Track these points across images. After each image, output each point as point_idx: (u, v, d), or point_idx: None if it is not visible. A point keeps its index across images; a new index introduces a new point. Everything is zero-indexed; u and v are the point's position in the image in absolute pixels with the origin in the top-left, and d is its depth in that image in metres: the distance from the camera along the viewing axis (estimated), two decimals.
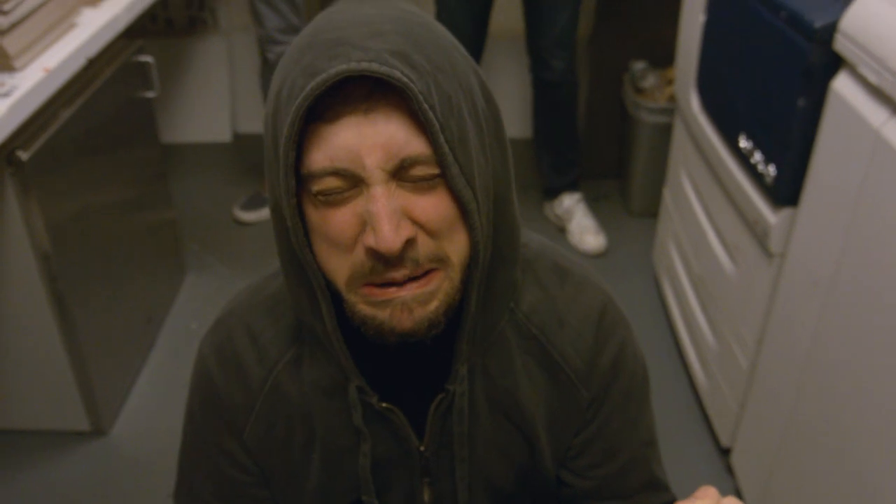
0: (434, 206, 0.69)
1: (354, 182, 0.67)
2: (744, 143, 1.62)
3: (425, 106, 0.65)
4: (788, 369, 1.53)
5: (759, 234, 1.60)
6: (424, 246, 0.69)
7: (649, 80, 2.71)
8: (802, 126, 1.40)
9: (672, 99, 2.53)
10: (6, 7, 1.52)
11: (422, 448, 0.86)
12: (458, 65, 0.71)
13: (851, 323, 1.30)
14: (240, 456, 0.91)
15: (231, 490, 0.93)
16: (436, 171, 0.68)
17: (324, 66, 0.64)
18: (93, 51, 1.79)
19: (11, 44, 1.56)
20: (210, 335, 0.91)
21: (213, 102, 3.36)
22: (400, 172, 0.67)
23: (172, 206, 2.46)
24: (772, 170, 1.50)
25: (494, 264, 0.78)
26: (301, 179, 0.68)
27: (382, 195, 0.66)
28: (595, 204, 2.86)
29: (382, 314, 0.71)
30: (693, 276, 2.08)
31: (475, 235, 0.71)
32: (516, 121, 3.14)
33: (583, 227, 2.69)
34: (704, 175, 1.96)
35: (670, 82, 2.64)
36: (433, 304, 0.71)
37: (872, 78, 1.20)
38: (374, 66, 0.63)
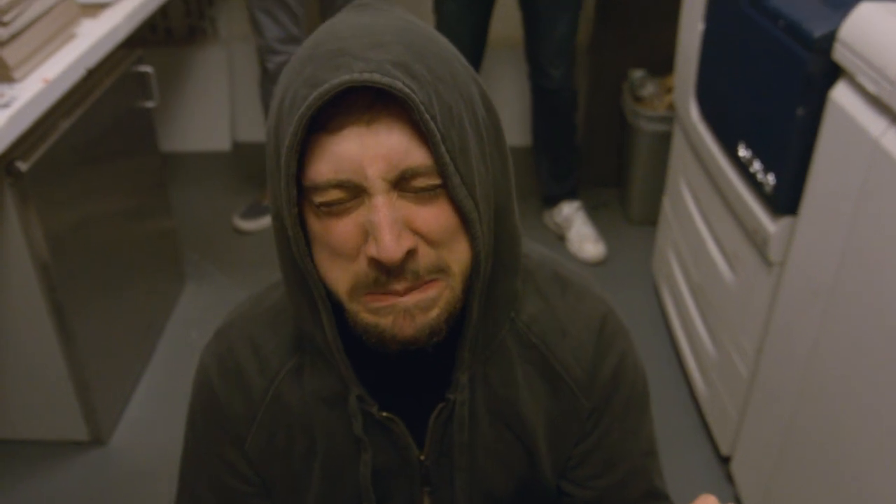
0: (435, 216, 0.69)
1: (356, 192, 0.67)
2: (743, 151, 1.62)
3: (426, 116, 0.65)
4: (788, 378, 1.52)
5: (758, 242, 1.60)
6: (425, 257, 0.69)
7: (648, 89, 2.72)
8: (801, 135, 1.41)
9: (671, 107, 2.53)
10: (6, 18, 1.52)
11: (422, 457, 0.86)
12: (458, 75, 0.71)
13: (851, 332, 1.30)
14: (241, 466, 0.91)
15: (232, 500, 0.93)
16: (437, 181, 0.68)
17: (326, 76, 0.64)
18: (92, 61, 1.79)
19: (11, 55, 1.56)
20: (211, 345, 0.91)
21: (213, 111, 3.37)
22: (401, 183, 0.67)
23: (172, 215, 2.46)
24: (771, 179, 1.50)
25: (495, 273, 0.78)
26: (303, 189, 0.69)
27: (384, 205, 0.66)
28: (594, 212, 2.86)
29: (384, 321, 0.71)
30: (692, 285, 2.08)
31: (476, 245, 0.72)
32: (515, 129, 3.15)
33: (582, 235, 2.69)
34: (704, 183, 1.96)
35: (669, 90, 2.64)
36: (434, 312, 0.72)
37: (871, 87, 1.20)
38: (376, 77, 0.64)
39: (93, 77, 1.86)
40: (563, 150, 2.73)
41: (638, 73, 2.74)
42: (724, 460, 1.89)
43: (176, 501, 0.98)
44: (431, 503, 0.89)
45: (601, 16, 2.78)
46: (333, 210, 0.68)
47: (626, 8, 2.74)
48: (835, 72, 1.33)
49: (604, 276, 2.59)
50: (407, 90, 0.64)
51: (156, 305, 2.36)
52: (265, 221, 2.85)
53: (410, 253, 0.68)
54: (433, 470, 0.87)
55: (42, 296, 1.76)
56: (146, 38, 3.20)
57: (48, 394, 1.91)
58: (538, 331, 0.86)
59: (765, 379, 1.64)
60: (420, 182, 0.67)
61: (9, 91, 1.55)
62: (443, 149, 0.66)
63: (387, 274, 0.68)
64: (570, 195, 2.78)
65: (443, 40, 0.74)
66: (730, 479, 1.85)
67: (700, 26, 1.93)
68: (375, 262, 0.68)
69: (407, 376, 0.84)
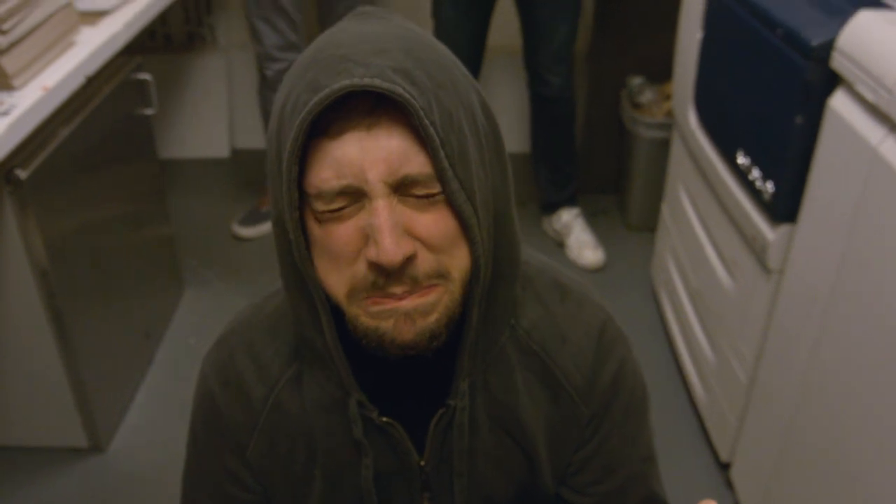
0: (435, 222, 0.69)
1: (357, 197, 0.68)
2: (742, 159, 1.62)
3: (426, 121, 0.66)
4: (787, 384, 1.52)
5: (757, 249, 1.60)
6: (424, 263, 0.70)
7: (647, 96, 2.72)
8: (800, 143, 1.41)
9: (670, 114, 2.53)
10: (5, 26, 1.52)
11: (422, 463, 0.86)
12: (458, 82, 0.72)
13: (849, 338, 1.30)
14: (243, 475, 0.91)
15: None
16: (436, 189, 0.69)
17: (327, 81, 0.65)
18: (92, 69, 1.79)
19: (10, 63, 1.56)
20: (212, 354, 0.92)
21: (212, 118, 3.37)
22: (401, 189, 0.68)
23: (171, 222, 2.46)
24: (770, 186, 1.50)
25: (495, 280, 0.79)
26: (304, 194, 0.69)
27: (384, 208, 0.67)
28: (593, 219, 2.86)
29: (385, 325, 0.72)
30: (691, 291, 2.08)
31: (476, 250, 0.72)
32: (514, 136, 3.15)
33: (581, 241, 2.69)
34: (702, 190, 1.96)
35: (668, 97, 2.65)
36: (434, 316, 0.72)
37: (869, 96, 1.21)
38: (377, 82, 0.64)
39: (92, 84, 1.86)
40: (562, 158, 2.73)
41: (636, 80, 2.75)
42: (724, 466, 1.89)
43: None
44: None
45: (600, 23, 2.78)
46: (334, 215, 0.69)
47: (625, 15, 2.74)
48: (833, 80, 1.33)
49: (603, 282, 2.59)
50: (407, 95, 0.65)
51: (155, 312, 2.36)
52: (264, 228, 2.85)
53: (410, 258, 0.68)
54: (433, 476, 0.87)
55: (41, 303, 1.76)
56: (145, 44, 3.21)
57: (47, 400, 1.91)
58: (538, 337, 0.87)
59: (764, 385, 1.64)
60: (419, 190, 0.68)
61: (8, 99, 1.56)
62: (442, 154, 0.67)
63: (385, 277, 0.69)
64: (569, 202, 2.78)
65: (442, 48, 0.74)
66: (729, 485, 1.85)
67: (698, 34, 1.94)
68: (375, 266, 0.68)
69: (407, 382, 0.84)
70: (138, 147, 2.20)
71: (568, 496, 0.94)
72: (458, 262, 0.72)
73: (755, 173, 1.56)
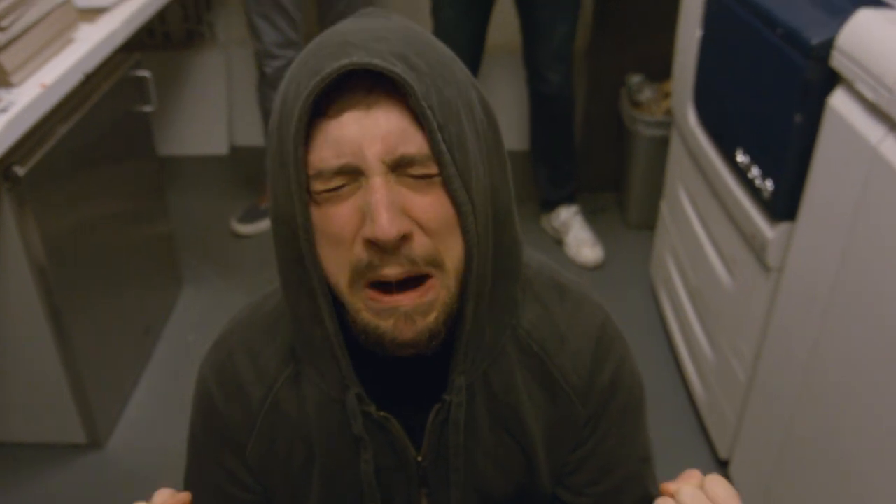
0: (431, 204, 0.70)
1: (355, 176, 0.69)
2: (741, 157, 1.62)
3: (423, 104, 0.67)
4: (786, 382, 1.52)
5: (756, 247, 1.60)
6: (421, 245, 0.70)
7: (646, 94, 2.72)
8: (799, 142, 1.41)
9: (669, 112, 2.53)
10: (4, 23, 1.52)
11: (419, 459, 0.86)
12: (458, 77, 0.73)
13: (849, 337, 1.30)
14: (242, 475, 0.91)
15: None
16: (434, 171, 0.69)
17: (327, 64, 0.67)
18: (90, 66, 1.79)
19: (8, 60, 1.56)
20: (210, 355, 0.92)
21: (211, 115, 3.36)
22: (399, 168, 0.69)
23: (169, 219, 2.46)
24: (769, 184, 1.50)
25: (496, 279, 0.79)
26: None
27: (381, 186, 0.68)
28: (592, 216, 2.86)
29: (385, 324, 0.72)
30: (690, 289, 2.08)
31: (469, 239, 0.72)
32: (513, 133, 3.15)
33: (580, 239, 2.69)
34: (702, 188, 1.96)
35: (667, 95, 2.65)
36: (433, 315, 0.72)
37: (869, 95, 1.20)
38: (376, 61, 0.66)
39: (91, 82, 1.86)
40: (562, 156, 2.73)
41: (636, 78, 2.74)
42: (723, 464, 1.90)
43: None
44: None
45: (599, 21, 2.78)
46: (332, 196, 0.70)
47: (624, 13, 2.74)
48: (833, 79, 1.33)
49: (602, 280, 2.59)
50: (405, 76, 0.66)
51: (153, 309, 2.36)
52: (263, 225, 2.85)
53: (406, 238, 0.69)
54: (430, 471, 0.87)
55: (39, 300, 1.76)
56: (144, 41, 3.20)
57: (46, 397, 1.91)
58: (538, 337, 0.87)
59: (763, 383, 1.64)
60: (417, 170, 0.69)
61: (6, 96, 1.55)
62: (439, 136, 0.68)
63: (381, 256, 0.69)
64: (569, 199, 2.78)
65: (443, 46, 0.75)
66: (728, 482, 1.85)
67: (698, 32, 1.94)
68: (371, 245, 0.69)
69: (405, 379, 0.84)
70: (137, 144, 2.20)
71: (564, 496, 0.94)
72: (453, 252, 0.72)
73: (754, 171, 1.56)
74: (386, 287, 0.72)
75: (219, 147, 3.41)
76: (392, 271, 0.70)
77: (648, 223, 2.69)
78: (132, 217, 2.19)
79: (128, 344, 2.18)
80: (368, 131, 0.67)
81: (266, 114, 2.72)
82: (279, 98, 0.73)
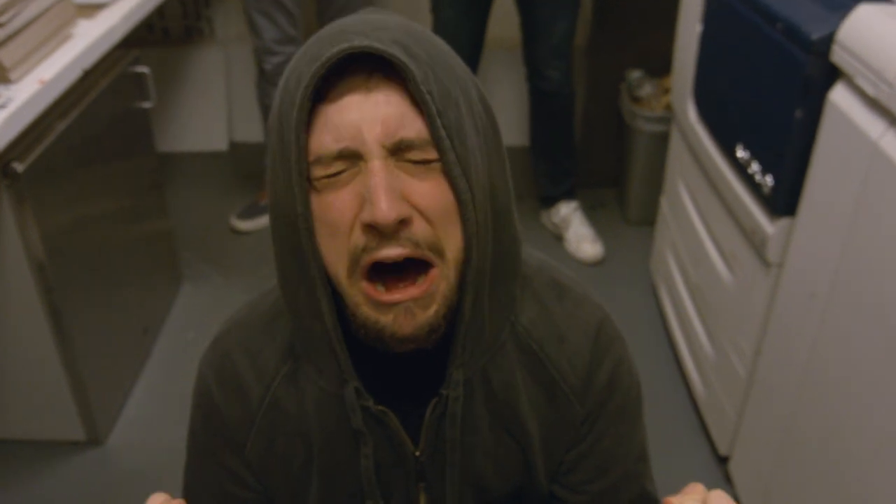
0: (431, 190, 0.70)
1: (354, 161, 0.69)
2: (741, 153, 1.62)
3: (422, 89, 0.68)
4: (786, 379, 1.52)
5: (756, 243, 1.60)
6: (421, 231, 0.70)
7: (646, 89, 2.72)
8: (800, 137, 1.41)
9: (669, 107, 2.53)
10: (2, 19, 1.52)
11: (417, 453, 0.86)
12: (458, 74, 0.73)
13: (849, 333, 1.30)
14: (242, 473, 0.91)
15: None
16: (433, 155, 0.70)
17: (328, 51, 0.67)
18: (89, 62, 1.79)
19: (7, 56, 1.56)
20: (209, 354, 0.92)
21: (210, 112, 3.36)
22: (398, 153, 0.69)
23: (169, 216, 2.46)
24: (769, 180, 1.50)
25: (496, 276, 0.79)
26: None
27: (381, 169, 0.68)
28: (592, 212, 2.86)
29: (385, 319, 0.72)
30: (690, 285, 2.08)
31: (469, 228, 0.72)
32: (513, 129, 3.14)
33: (580, 235, 2.69)
34: (701, 184, 1.96)
35: (667, 91, 2.64)
36: (433, 308, 0.72)
37: (869, 90, 1.20)
38: (376, 45, 0.67)
39: (89, 78, 1.86)
40: (562, 152, 2.73)
41: (636, 74, 2.74)
42: (723, 460, 1.90)
43: None
44: (427, 499, 0.89)
45: (599, 17, 2.78)
46: (332, 182, 0.70)
47: (624, 9, 2.73)
48: (833, 74, 1.33)
49: (601, 276, 2.59)
50: (405, 60, 0.67)
51: (152, 306, 2.36)
52: (263, 221, 2.85)
53: (405, 222, 0.69)
54: (428, 466, 0.87)
55: (38, 297, 1.75)
56: (143, 37, 3.20)
57: (45, 394, 1.91)
58: (537, 336, 0.87)
59: (763, 379, 1.64)
60: (416, 154, 0.69)
61: (5, 92, 1.55)
62: (438, 122, 0.69)
63: (379, 239, 0.69)
64: (568, 195, 2.78)
65: (442, 42, 0.76)
66: (728, 479, 1.85)
67: (698, 27, 1.93)
68: (370, 229, 0.69)
69: (404, 374, 0.84)
70: (136, 140, 2.20)
71: (561, 494, 0.94)
72: (452, 241, 0.72)
73: (754, 167, 1.56)
74: (384, 277, 0.72)
75: (218, 143, 3.41)
76: (392, 252, 0.69)
77: (648, 219, 2.69)
78: (131, 214, 2.19)
79: (127, 341, 2.18)
80: (368, 115, 0.68)
81: (265, 110, 2.72)
82: (280, 88, 0.73)
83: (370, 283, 0.72)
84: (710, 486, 0.69)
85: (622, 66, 2.81)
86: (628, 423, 0.93)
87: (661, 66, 2.64)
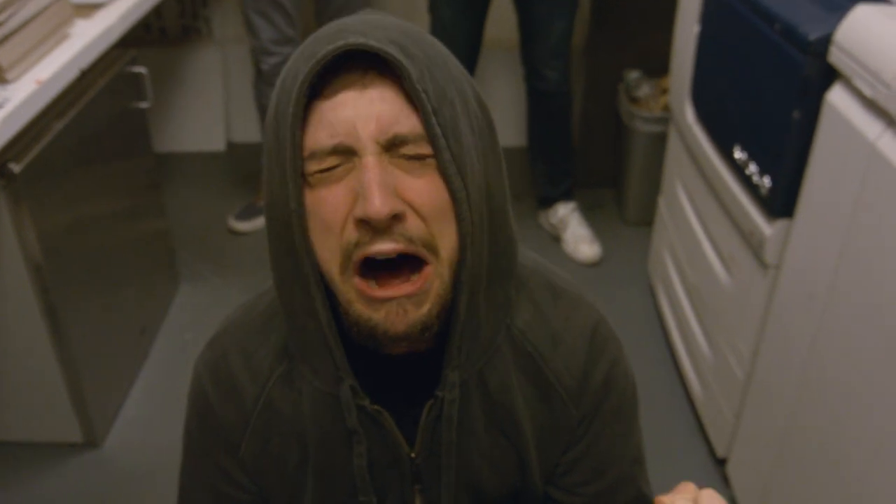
0: (425, 186, 0.70)
1: (349, 157, 0.69)
2: (738, 154, 1.62)
3: (417, 87, 0.68)
4: (784, 380, 1.52)
5: (754, 245, 1.60)
6: (415, 227, 0.70)
7: (644, 90, 2.72)
8: (797, 138, 1.41)
9: (667, 108, 2.53)
10: None
11: (412, 455, 0.86)
12: (454, 75, 0.74)
13: (847, 334, 1.30)
14: (236, 474, 0.91)
15: None
16: (427, 151, 0.70)
17: (324, 49, 0.68)
18: (86, 62, 1.78)
19: (4, 56, 1.56)
20: (205, 354, 0.92)
21: (208, 112, 3.36)
22: (392, 149, 0.69)
23: (166, 216, 2.45)
24: (767, 181, 1.50)
25: (492, 277, 0.79)
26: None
27: (374, 165, 0.68)
28: (590, 213, 2.85)
29: (377, 316, 0.72)
30: (688, 286, 2.08)
31: (463, 227, 0.72)
32: (511, 130, 3.14)
33: (577, 236, 2.69)
34: (699, 185, 1.96)
35: (665, 91, 2.64)
36: (426, 307, 0.72)
37: (867, 91, 1.20)
38: (372, 43, 0.67)
39: (86, 78, 1.85)
40: (559, 153, 2.72)
41: (633, 74, 2.74)
42: (720, 462, 1.89)
43: None
44: (423, 502, 0.89)
45: (597, 17, 2.78)
46: (326, 177, 0.70)
47: (622, 9, 2.74)
48: (831, 75, 1.33)
49: (599, 277, 2.59)
50: (400, 58, 0.67)
51: (150, 307, 2.35)
52: (260, 222, 2.84)
53: (398, 218, 0.69)
54: (423, 468, 0.87)
55: (35, 297, 1.75)
56: (140, 37, 3.19)
57: (42, 396, 1.90)
58: (532, 338, 0.87)
59: (761, 381, 1.64)
60: (410, 149, 0.69)
61: (2, 92, 1.55)
62: (433, 120, 0.69)
63: (372, 234, 0.69)
64: (566, 196, 2.78)
65: (439, 44, 0.76)
66: (726, 480, 1.85)
67: (695, 28, 1.93)
68: (363, 224, 0.69)
69: (400, 376, 0.84)
70: (133, 141, 2.20)
71: (557, 496, 0.94)
72: (447, 240, 0.72)
73: (752, 168, 1.56)
74: (377, 274, 0.72)
75: (216, 144, 3.40)
76: (385, 247, 0.69)
77: (646, 220, 2.69)
78: (128, 214, 2.19)
79: (124, 342, 2.18)
80: (362, 111, 0.68)
81: (263, 110, 2.72)
82: (277, 86, 0.73)
83: (363, 280, 0.71)
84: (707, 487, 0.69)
85: (620, 66, 2.81)
86: (624, 425, 0.93)
87: (659, 67, 2.64)
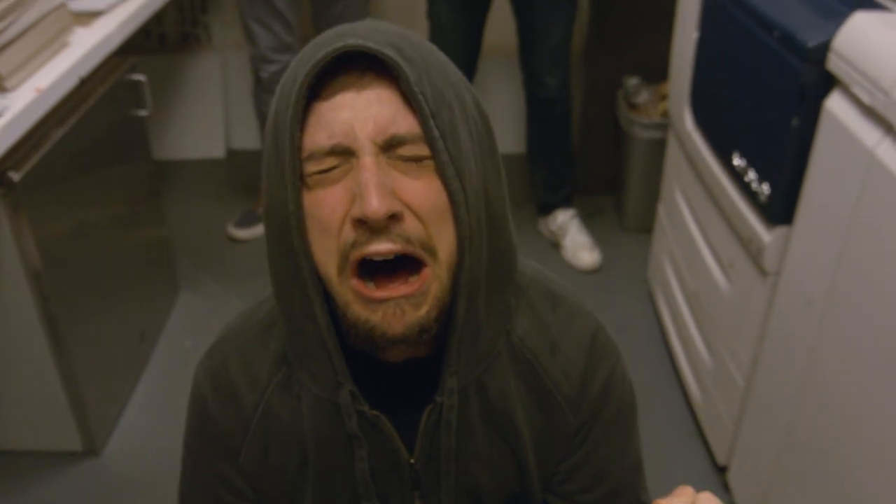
0: (423, 188, 0.70)
1: (347, 157, 0.69)
2: (737, 160, 1.62)
3: (415, 89, 0.68)
4: (784, 387, 1.52)
5: (753, 252, 1.60)
6: (413, 228, 0.70)
7: (643, 96, 2.72)
8: (796, 145, 1.41)
9: (666, 114, 2.53)
10: None
11: (412, 460, 0.86)
12: (452, 80, 0.74)
13: (846, 341, 1.30)
14: (236, 481, 0.91)
15: None
16: (425, 152, 0.70)
17: (323, 52, 0.68)
18: (85, 70, 1.78)
19: (3, 64, 1.56)
20: (204, 362, 0.92)
21: (207, 119, 3.36)
22: (390, 150, 0.69)
23: (166, 224, 2.45)
24: (766, 188, 1.50)
25: (491, 284, 0.79)
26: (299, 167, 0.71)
27: (372, 165, 0.68)
28: (589, 220, 2.85)
29: (375, 317, 0.72)
30: (688, 293, 2.08)
31: (461, 230, 0.72)
32: (510, 136, 3.15)
33: (577, 243, 2.69)
34: (698, 192, 1.96)
35: (664, 98, 2.65)
36: (424, 309, 0.72)
37: (865, 98, 1.20)
38: (370, 45, 0.68)
39: (86, 86, 1.85)
40: (559, 159, 2.73)
41: (632, 81, 2.74)
42: (721, 469, 1.89)
43: None
44: None
45: (596, 23, 2.78)
46: (324, 178, 0.70)
47: (621, 16, 2.74)
48: (829, 82, 1.33)
49: (599, 283, 2.59)
50: (398, 59, 0.68)
51: (150, 314, 2.35)
52: (260, 229, 2.84)
53: (396, 218, 0.69)
54: (423, 474, 0.87)
55: (35, 306, 1.75)
56: (140, 44, 3.19)
57: (41, 404, 1.90)
58: (531, 346, 0.87)
59: (761, 388, 1.64)
60: (408, 150, 0.70)
61: (1, 101, 1.55)
62: (431, 122, 0.69)
63: (369, 234, 0.69)
64: (565, 203, 2.78)
65: (438, 50, 0.76)
66: (726, 488, 1.84)
67: (694, 34, 1.93)
68: (360, 224, 0.69)
69: (400, 382, 0.84)
70: (133, 148, 2.20)
71: (556, 503, 0.94)
72: (445, 241, 0.72)
73: (751, 175, 1.56)
74: (374, 275, 0.72)
75: (215, 151, 3.40)
76: (382, 247, 0.69)
77: (646, 226, 2.69)
78: (128, 222, 2.19)
79: (124, 350, 2.18)
80: (360, 112, 0.69)
81: (262, 118, 2.72)
82: (277, 91, 0.74)
83: (360, 280, 0.71)
84: None
85: (619, 72, 2.81)
86: (623, 433, 0.93)
87: (657, 73, 2.64)
